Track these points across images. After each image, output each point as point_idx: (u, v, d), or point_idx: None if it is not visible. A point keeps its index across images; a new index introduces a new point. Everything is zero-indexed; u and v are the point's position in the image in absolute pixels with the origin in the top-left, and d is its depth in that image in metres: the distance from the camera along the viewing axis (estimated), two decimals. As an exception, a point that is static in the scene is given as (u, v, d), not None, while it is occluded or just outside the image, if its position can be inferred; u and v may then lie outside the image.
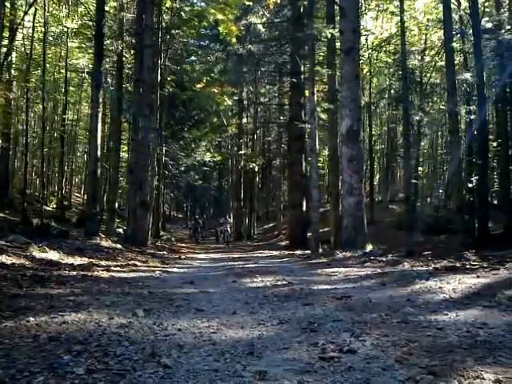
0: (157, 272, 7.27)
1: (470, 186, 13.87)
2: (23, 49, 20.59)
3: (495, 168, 17.92)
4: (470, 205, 13.77)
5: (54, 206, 24.51)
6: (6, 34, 15.72)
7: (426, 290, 4.68)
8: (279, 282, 5.78)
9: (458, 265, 6.45)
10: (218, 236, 23.18)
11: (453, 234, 13.52)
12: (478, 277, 5.26)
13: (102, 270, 6.60)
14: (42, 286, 4.69)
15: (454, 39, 14.45)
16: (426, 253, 9.78)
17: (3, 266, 5.53)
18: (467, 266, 6.21)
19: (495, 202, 19.23)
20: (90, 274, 6.05)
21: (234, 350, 2.67)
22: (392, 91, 24.26)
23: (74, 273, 6.00)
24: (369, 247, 10.64)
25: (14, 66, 20.71)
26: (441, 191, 25.48)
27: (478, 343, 2.68)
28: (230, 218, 25.09)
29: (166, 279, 6.47)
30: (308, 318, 3.48)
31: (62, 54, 23.55)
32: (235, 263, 9.82)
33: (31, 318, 3.15)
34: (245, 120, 28.48)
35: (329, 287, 5.28)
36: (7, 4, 15.95)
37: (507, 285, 4.59)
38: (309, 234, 15.31)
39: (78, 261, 7.36)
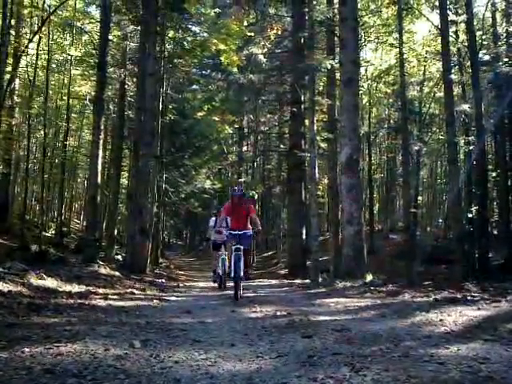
0: (155, 301, 7.19)
1: (469, 215, 13.88)
2: (26, 76, 20.84)
3: (495, 198, 17.94)
4: (469, 235, 13.73)
5: (53, 232, 24.43)
6: (9, 60, 15.88)
7: (426, 322, 4.62)
8: (278, 313, 5.71)
9: (458, 296, 6.38)
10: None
11: (453, 264, 13.45)
12: (479, 309, 5.21)
13: (100, 299, 6.54)
14: (38, 315, 4.64)
15: (453, 71, 14.69)
16: (427, 283, 9.69)
17: (0, 293, 5.48)
18: (468, 298, 6.15)
19: (495, 232, 19.16)
20: (87, 302, 5.99)
21: (232, 385, 2.62)
22: (391, 121, 24.54)
23: (71, 301, 5.94)
24: (369, 277, 10.54)
25: (16, 92, 20.99)
26: (440, 221, 25.51)
27: (480, 379, 2.63)
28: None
29: (163, 308, 6.40)
30: (307, 351, 3.42)
31: (65, 81, 23.85)
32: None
33: (26, 349, 3.10)
34: (245, 148, 28.71)
35: (328, 318, 5.20)
36: (12, 32, 16.26)
37: (509, 318, 4.54)
38: (308, 263, 15.21)
39: (75, 288, 7.29)
